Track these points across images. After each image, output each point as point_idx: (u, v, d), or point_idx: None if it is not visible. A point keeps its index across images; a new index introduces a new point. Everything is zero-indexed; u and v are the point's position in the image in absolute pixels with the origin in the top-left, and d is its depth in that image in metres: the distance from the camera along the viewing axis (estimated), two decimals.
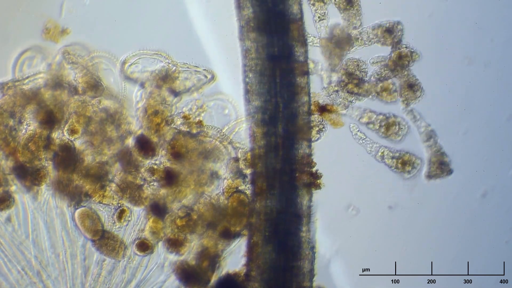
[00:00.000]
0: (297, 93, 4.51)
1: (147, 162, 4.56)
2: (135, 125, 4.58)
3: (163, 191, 4.56)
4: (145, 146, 4.55)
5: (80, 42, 4.60)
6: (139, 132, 4.56)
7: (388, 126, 4.54)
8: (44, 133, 4.52)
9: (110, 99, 4.57)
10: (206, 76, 4.59)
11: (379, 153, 4.55)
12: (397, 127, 4.54)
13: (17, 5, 4.63)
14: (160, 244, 4.60)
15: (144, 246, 4.59)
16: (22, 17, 4.63)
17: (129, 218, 4.59)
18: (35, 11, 4.62)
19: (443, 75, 4.61)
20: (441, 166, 4.55)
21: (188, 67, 4.56)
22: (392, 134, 4.54)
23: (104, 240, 4.57)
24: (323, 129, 4.58)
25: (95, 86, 4.56)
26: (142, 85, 4.58)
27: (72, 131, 4.54)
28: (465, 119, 4.64)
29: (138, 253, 4.60)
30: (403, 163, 4.56)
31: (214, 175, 4.57)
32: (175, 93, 4.57)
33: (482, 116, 4.63)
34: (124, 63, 4.59)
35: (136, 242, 4.59)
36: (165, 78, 4.55)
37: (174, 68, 4.56)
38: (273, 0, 4.47)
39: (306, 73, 4.53)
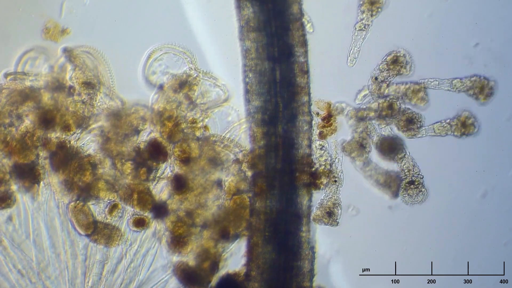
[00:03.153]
0: (297, 93, 4.51)
1: (156, 167, 4.56)
2: (148, 126, 4.57)
3: (170, 195, 4.56)
4: (157, 150, 4.54)
5: (81, 43, 4.61)
6: (151, 136, 4.55)
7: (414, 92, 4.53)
8: (40, 132, 4.51)
9: (107, 99, 4.57)
10: (224, 92, 4.58)
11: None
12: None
13: (17, 5, 4.63)
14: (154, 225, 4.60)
15: (140, 222, 4.58)
16: (22, 17, 4.63)
17: (120, 214, 4.58)
18: (35, 11, 4.62)
19: (443, 75, 4.61)
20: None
21: (209, 77, 4.55)
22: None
23: (98, 231, 4.57)
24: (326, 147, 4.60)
25: (91, 84, 4.55)
26: (161, 87, 4.57)
27: (66, 128, 4.53)
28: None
29: (136, 229, 4.58)
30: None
31: (219, 183, 4.57)
32: (190, 101, 4.56)
33: (482, 116, 4.63)
34: (149, 56, 4.58)
35: (131, 220, 4.57)
36: (184, 84, 4.54)
37: (196, 75, 4.55)
38: (273, 0, 4.47)
39: (306, 72, 4.54)
